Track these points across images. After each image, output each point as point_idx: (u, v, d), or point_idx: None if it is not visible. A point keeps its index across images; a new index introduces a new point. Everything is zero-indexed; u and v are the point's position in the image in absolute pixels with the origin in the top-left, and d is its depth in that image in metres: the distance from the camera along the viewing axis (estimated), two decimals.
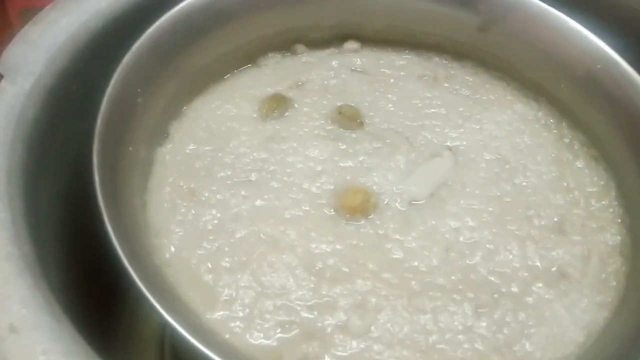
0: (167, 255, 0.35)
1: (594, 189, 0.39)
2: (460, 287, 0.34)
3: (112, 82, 0.36)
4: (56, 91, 0.36)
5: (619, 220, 0.37)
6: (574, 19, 0.40)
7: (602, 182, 0.39)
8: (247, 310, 0.33)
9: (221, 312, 0.33)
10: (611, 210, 0.38)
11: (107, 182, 0.33)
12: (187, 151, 0.40)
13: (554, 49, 0.41)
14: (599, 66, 0.39)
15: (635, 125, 0.38)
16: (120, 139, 0.36)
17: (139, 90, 0.38)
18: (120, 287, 0.30)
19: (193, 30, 0.41)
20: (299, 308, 0.33)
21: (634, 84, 0.38)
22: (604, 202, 0.38)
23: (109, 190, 0.33)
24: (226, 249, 0.35)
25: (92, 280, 0.36)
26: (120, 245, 0.30)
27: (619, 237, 0.37)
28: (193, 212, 0.37)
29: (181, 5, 0.40)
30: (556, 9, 0.41)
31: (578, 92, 0.40)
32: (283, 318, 0.33)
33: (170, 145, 0.40)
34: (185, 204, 0.37)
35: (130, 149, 0.36)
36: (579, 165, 0.40)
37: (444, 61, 0.46)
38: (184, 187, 0.38)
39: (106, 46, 0.38)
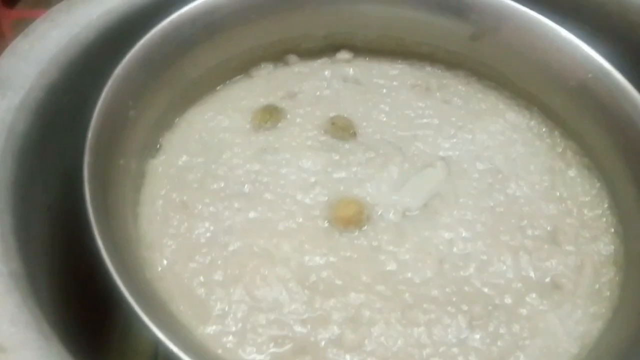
0: (159, 269, 0.35)
1: (586, 198, 0.39)
2: (454, 299, 0.34)
3: (103, 95, 0.36)
4: (47, 104, 0.36)
5: (612, 230, 0.37)
6: (566, 29, 0.40)
7: (594, 191, 0.39)
8: (240, 324, 0.33)
9: (214, 327, 0.32)
10: (604, 219, 0.38)
11: (98, 195, 0.33)
12: (180, 163, 0.40)
13: (547, 58, 0.41)
14: (590, 75, 0.39)
15: (628, 134, 0.38)
16: (111, 152, 0.36)
17: (130, 102, 0.38)
18: (112, 302, 0.29)
19: (184, 42, 0.41)
20: (292, 322, 0.33)
21: (626, 94, 0.38)
22: (597, 212, 0.38)
23: (100, 203, 0.33)
24: (219, 262, 0.35)
25: (83, 296, 0.36)
26: (110, 259, 0.30)
27: (613, 247, 0.37)
28: (186, 224, 0.37)
29: (172, 17, 0.40)
30: (549, 19, 0.41)
31: (570, 101, 0.41)
32: (276, 332, 0.32)
33: (163, 157, 0.40)
34: (177, 217, 0.37)
35: (121, 162, 0.36)
36: (571, 175, 0.40)
37: (436, 71, 0.46)
38: (177, 199, 0.38)
39: (97, 59, 0.38)
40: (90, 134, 0.34)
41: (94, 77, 0.36)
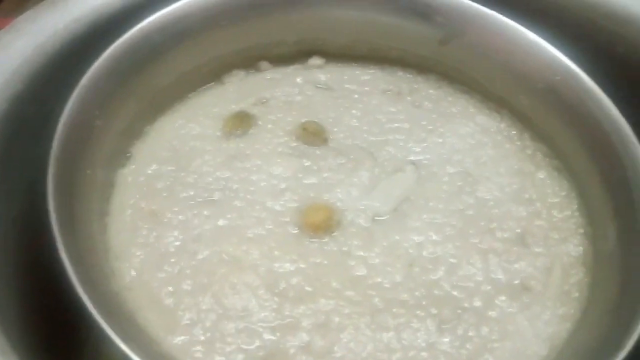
0: (128, 279, 0.34)
1: (556, 200, 0.39)
2: (423, 302, 0.34)
3: (69, 105, 0.35)
4: (11, 116, 0.35)
5: (582, 231, 0.38)
6: (533, 31, 0.40)
7: (564, 193, 0.39)
8: (209, 334, 0.32)
9: (182, 337, 0.32)
10: (573, 221, 0.38)
11: (63, 206, 0.32)
12: (149, 172, 0.40)
13: (515, 61, 0.41)
14: (558, 78, 0.39)
15: (596, 135, 0.38)
16: (77, 163, 0.35)
17: (96, 112, 0.37)
18: (79, 316, 0.29)
19: (153, 50, 0.41)
20: (261, 330, 0.33)
21: (593, 95, 0.38)
22: (566, 213, 0.38)
23: (65, 215, 0.32)
24: (188, 271, 0.35)
25: (50, 311, 0.35)
26: (75, 271, 0.30)
27: (582, 248, 0.37)
28: (154, 234, 0.36)
29: (141, 25, 0.40)
30: (515, 21, 0.41)
31: (539, 103, 0.41)
32: (245, 341, 0.32)
33: (133, 166, 0.40)
34: (146, 226, 0.37)
35: (88, 172, 0.36)
36: (540, 177, 0.40)
37: (407, 75, 0.46)
38: (146, 208, 0.38)
39: (63, 68, 0.38)
40: (55, 145, 0.34)
41: (59, 87, 0.36)
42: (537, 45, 0.40)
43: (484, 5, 0.42)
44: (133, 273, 0.35)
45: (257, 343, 0.32)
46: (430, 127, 0.42)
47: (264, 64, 0.46)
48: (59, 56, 0.39)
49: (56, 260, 0.30)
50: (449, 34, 0.43)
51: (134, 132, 0.41)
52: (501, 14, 0.41)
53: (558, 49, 0.40)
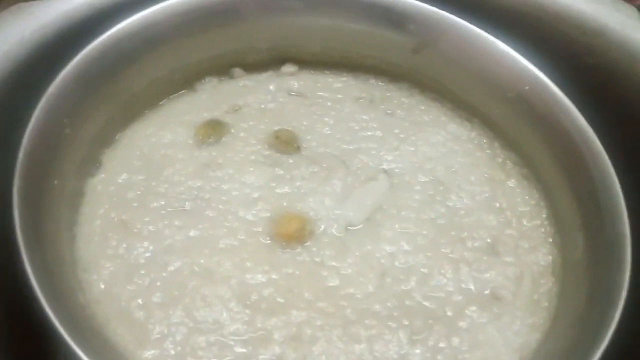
0: (96, 292, 0.34)
1: (525, 209, 0.39)
2: (395, 314, 0.34)
3: (36, 113, 0.35)
4: None
5: (551, 240, 0.38)
6: (504, 42, 0.41)
7: (533, 202, 0.40)
8: (179, 347, 0.32)
9: (152, 351, 0.32)
10: (543, 230, 0.38)
11: (29, 218, 0.32)
12: (120, 181, 0.39)
13: (485, 70, 0.42)
14: (527, 87, 0.40)
15: (564, 144, 0.38)
16: (45, 173, 0.35)
17: (65, 120, 0.37)
18: (46, 333, 0.28)
19: (124, 56, 0.40)
20: (232, 343, 0.32)
21: (562, 105, 0.39)
22: (535, 222, 0.39)
23: (31, 227, 0.32)
24: (158, 283, 0.34)
25: (14, 325, 0.34)
26: (41, 285, 0.29)
27: (551, 257, 0.37)
28: (124, 245, 0.36)
29: (111, 31, 0.39)
30: (487, 32, 0.41)
31: (509, 112, 0.41)
32: (217, 354, 0.32)
33: (103, 175, 0.39)
34: (116, 237, 0.36)
35: (56, 182, 0.35)
36: (510, 185, 0.40)
37: (380, 83, 0.46)
38: (116, 218, 0.37)
39: (30, 77, 0.37)
40: (20, 156, 0.33)
41: (26, 95, 0.35)
42: (508, 55, 0.41)
43: (456, 15, 0.42)
44: (102, 285, 0.34)
45: (229, 356, 0.32)
46: (403, 136, 0.43)
47: (237, 71, 0.46)
48: (26, 64, 0.38)
49: (22, 272, 0.29)
50: (422, 42, 0.43)
51: (104, 140, 0.41)
52: (473, 24, 0.41)
53: (528, 60, 0.40)
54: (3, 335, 0.33)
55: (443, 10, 0.42)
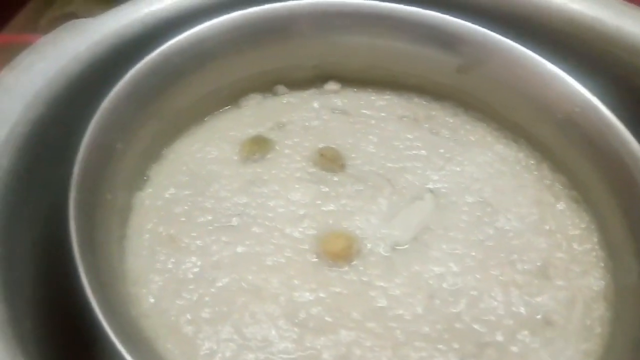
0: (146, 306, 0.34)
1: (576, 232, 0.39)
2: (445, 336, 0.34)
3: (90, 127, 0.35)
4: (33, 139, 0.35)
5: (602, 264, 0.37)
6: (552, 62, 0.41)
7: (583, 225, 0.39)
8: None
9: None
10: (594, 254, 0.38)
11: (83, 231, 0.32)
12: (167, 196, 0.39)
13: (534, 92, 0.41)
14: (577, 109, 0.39)
15: (615, 168, 0.38)
16: (98, 186, 0.35)
17: (117, 135, 0.37)
18: (98, 343, 0.29)
19: (173, 72, 0.41)
20: None
21: (612, 128, 0.38)
22: (586, 246, 0.38)
23: (86, 239, 0.32)
24: (207, 298, 0.34)
25: (69, 337, 0.35)
26: (95, 297, 0.29)
27: (603, 282, 0.37)
28: (173, 259, 0.36)
29: (161, 48, 0.40)
30: (535, 52, 0.41)
31: (558, 134, 0.41)
32: None
33: (150, 189, 0.40)
34: (164, 252, 0.36)
35: (108, 196, 0.36)
36: (560, 208, 0.40)
37: (424, 102, 0.46)
38: (164, 233, 0.37)
39: (84, 91, 0.38)
40: (76, 169, 0.33)
41: (80, 110, 0.36)
42: (556, 76, 0.40)
43: (503, 35, 0.42)
44: (151, 300, 0.34)
45: None
46: (448, 155, 0.42)
47: (281, 88, 0.46)
48: (81, 79, 0.39)
49: (76, 285, 0.30)
50: (468, 62, 0.43)
51: (151, 155, 0.41)
52: (521, 45, 0.41)
53: (578, 81, 0.40)
54: (59, 347, 0.34)
55: (490, 30, 0.42)
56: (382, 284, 0.35)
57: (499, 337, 0.34)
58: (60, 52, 0.38)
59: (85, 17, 0.40)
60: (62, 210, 0.32)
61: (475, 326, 0.34)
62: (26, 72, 0.37)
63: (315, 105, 0.45)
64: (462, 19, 0.42)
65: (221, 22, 0.42)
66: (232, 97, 0.45)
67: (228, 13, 0.42)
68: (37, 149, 0.35)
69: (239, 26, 0.43)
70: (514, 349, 0.33)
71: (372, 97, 0.47)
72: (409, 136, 0.44)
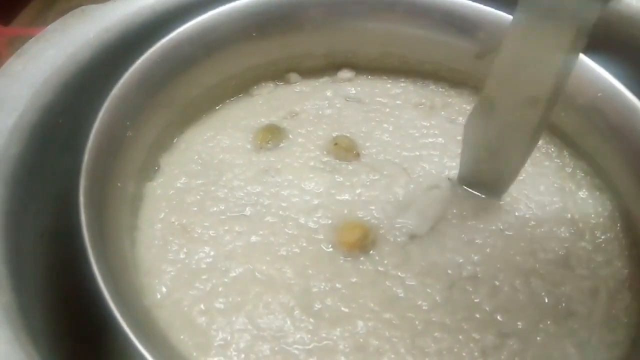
0: (158, 296, 0.33)
1: (599, 220, 0.38)
2: (465, 326, 0.33)
3: (100, 115, 0.34)
4: (41, 126, 0.35)
5: (626, 253, 0.36)
6: None
7: (606, 213, 0.38)
8: (243, 355, 0.31)
9: (215, 358, 0.31)
10: (617, 243, 0.37)
11: (94, 220, 0.31)
12: (179, 185, 0.39)
13: None
14: (600, 94, 0.38)
15: (639, 154, 0.37)
16: (108, 175, 0.34)
17: (128, 123, 0.36)
18: (109, 333, 0.28)
19: (184, 60, 0.40)
20: (297, 352, 0.31)
21: (637, 113, 0.37)
22: (609, 235, 0.37)
23: (96, 229, 0.31)
24: (220, 289, 0.34)
25: (78, 327, 0.34)
26: (107, 287, 0.29)
27: (627, 271, 0.35)
28: (185, 249, 0.35)
29: (171, 35, 0.39)
30: None
31: (579, 120, 0.40)
32: None
33: (161, 179, 0.39)
34: (177, 241, 0.36)
35: (119, 184, 0.35)
36: (582, 196, 0.39)
37: (440, 89, 0.45)
38: (176, 223, 0.37)
39: (94, 79, 0.37)
40: (86, 157, 0.33)
41: (90, 97, 0.35)
42: (579, 61, 0.39)
43: None
44: (164, 290, 0.34)
45: None
46: None
47: (294, 76, 0.46)
48: (90, 66, 0.38)
49: (87, 274, 0.29)
50: (485, 48, 0.42)
51: (162, 143, 0.40)
52: None
53: (600, 65, 0.39)
54: (70, 337, 0.33)
55: (508, 14, 0.41)
56: (399, 273, 0.35)
57: (521, 327, 0.33)
58: (69, 39, 0.38)
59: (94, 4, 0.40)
60: (72, 199, 0.31)
61: (496, 316, 0.33)
62: (34, 60, 0.36)
63: (329, 93, 0.45)
64: (480, 2, 0.41)
65: (231, 8, 0.41)
66: (243, 85, 0.44)
67: (238, 0, 0.41)
68: (46, 137, 0.35)
69: (250, 13, 0.42)
70: (537, 338, 0.32)
71: (387, 85, 0.46)
72: (424, 124, 0.43)
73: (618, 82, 0.38)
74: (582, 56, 0.39)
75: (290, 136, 0.42)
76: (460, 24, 0.42)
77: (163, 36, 0.39)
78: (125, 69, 0.37)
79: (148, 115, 0.38)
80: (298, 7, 0.43)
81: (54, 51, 0.37)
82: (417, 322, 0.33)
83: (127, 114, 0.36)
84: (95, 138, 0.34)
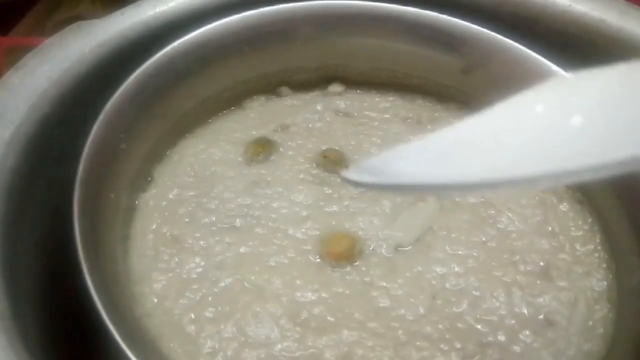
0: (149, 306, 0.34)
1: (579, 233, 0.39)
2: (447, 336, 0.34)
3: (95, 128, 0.35)
4: (37, 139, 0.36)
5: (605, 266, 0.37)
6: (556, 63, 0.41)
7: (586, 226, 0.39)
8: None
9: None
10: (596, 255, 0.38)
11: (87, 231, 0.32)
12: (171, 196, 0.40)
13: None
14: None
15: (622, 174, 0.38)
16: (102, 186, 0.35)
17: (122, 135, 0.37)
18: (102, 341, 0.29)
19: (177, 74, 0.41)
20: None
21: None
22: (589, 247, 0.38)
23: (89, 239, 0.32)
24: (210, 298, 0.35)
25: (72, 335, 0.35)
26: (99, 297, 0.29)
27: (605, 283, 0.36)
28: (176, 259, 0.36)
29: (165, 50, 0.40)
30: (539, 54, 0.41)
31: None
32: None
33: (154, 190, 0.40)
34: (168, 252, 0.37)
35: (112, 195, 0.36)
36: (563, 209, 0.40)
37: (427, 103, 0.46)
38: (168, 233, 0.38)
39: (89, 92, 0.38)
40: (81, 168, 0.34)
41: (85, 111, 0.36)
42: (560, 77, 0.40)
43: (507, 37, 0.42)
44: (154, 299, 0.34)
45: None
46: None
47: (285, 90, 0.46)
48: (85, 80, 0.39)
49: (80, 283, 0.30)
50: (472, 63, 0.43)
51: (156, 155, 0.41)
52: (524, 46, 0.41)
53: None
54: (62, 346, 0.34)
55: (494, 31, 0.42)
56: (384, 284, 0.36)
57: (501, 337, 0.34)
58: (65, 54, 0.38)
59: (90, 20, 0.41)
60: (66, 210, 0.32)
61: (478, 326, 0.34)
62: (31, 74, 0.37)
63: (319, 107, 0.46)
64: (466, 20, 0.42)
65: (224, 24, 0.42)
66: (236, 98, 0.45)
67: (231, 15, 0.42)
68: (42, 149, 0.36)
69: (242, 28, 0.43)
70: (516, 348, 0.33)
71: (376, 99, 0.47)
72: (412, 137, 0.44)
73: None
74: (564, 73, 0.40)
75: (281, 149, 0.43)
76: (448, 40, 0.43)
77: (156, 51, 0.40)
78: (120, 83, 0.38)
79: (142, 128, 0.39)
80: (290, 23, 0.44)
81: (51, 65, 0.38)
82: (400, 332, 0.34)
83: (121, 126, 0.37)
84: (90, 150, 0.34)
